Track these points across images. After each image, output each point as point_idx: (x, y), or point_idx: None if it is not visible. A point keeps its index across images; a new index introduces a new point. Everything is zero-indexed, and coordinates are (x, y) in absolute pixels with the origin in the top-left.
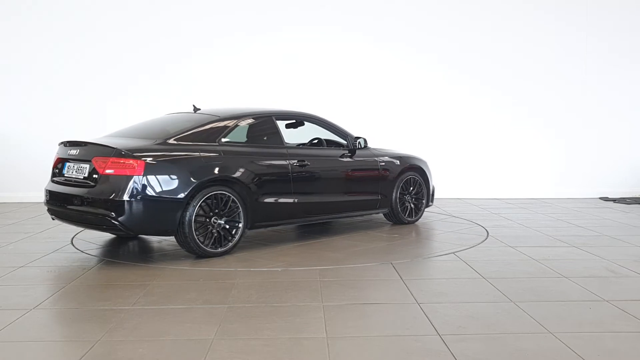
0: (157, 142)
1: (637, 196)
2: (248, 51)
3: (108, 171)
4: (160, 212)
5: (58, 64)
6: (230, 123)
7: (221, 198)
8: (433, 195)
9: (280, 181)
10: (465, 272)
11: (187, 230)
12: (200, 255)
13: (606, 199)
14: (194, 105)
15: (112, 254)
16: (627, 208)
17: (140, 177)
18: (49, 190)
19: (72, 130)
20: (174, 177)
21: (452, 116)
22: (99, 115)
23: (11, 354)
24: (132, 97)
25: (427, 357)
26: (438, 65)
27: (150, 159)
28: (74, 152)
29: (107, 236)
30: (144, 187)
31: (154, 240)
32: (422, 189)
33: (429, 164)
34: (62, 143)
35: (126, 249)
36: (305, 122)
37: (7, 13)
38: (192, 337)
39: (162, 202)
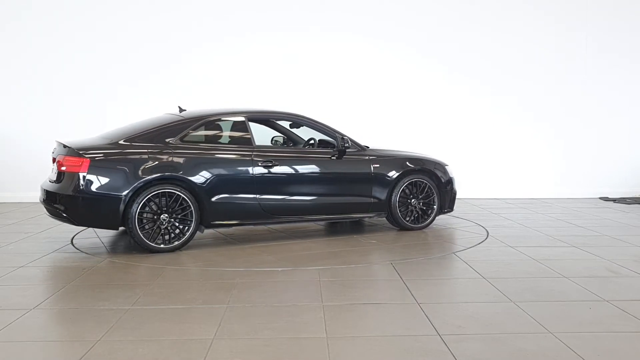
0: (110, 142)
1: (637, 196)
2: (248, 52)
3: (63, 169)
4: (102, 207)
5: (59, 65)
6: (190, 124)
7: (170, 196)
8: (452, 200)
9: (240, 181)
10: (465, 272)
11: (130, 225)
12: (150, 250)
13: (606, 199)
14: (179, 107)
15: (112, 254)
16: (627, 208)
17: (85, 174)
18: (41, 187)
19: (72, 130)
20: (116, 175)
21: (452, 117)
22: (99, 116)
23: (11, 354)
24: (132, 97)
25: (427, 357)
26: (438, 66)
27: (96, 157)
28: (53, 151)
29: (107, 236)
30: (88, 183)
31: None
32: (432, 194)
33: (449, 167)
34: None
35: (126, 248)
36: (290, 122)
37: (9, 15)
38: (192, 337)
39: (103, 198)
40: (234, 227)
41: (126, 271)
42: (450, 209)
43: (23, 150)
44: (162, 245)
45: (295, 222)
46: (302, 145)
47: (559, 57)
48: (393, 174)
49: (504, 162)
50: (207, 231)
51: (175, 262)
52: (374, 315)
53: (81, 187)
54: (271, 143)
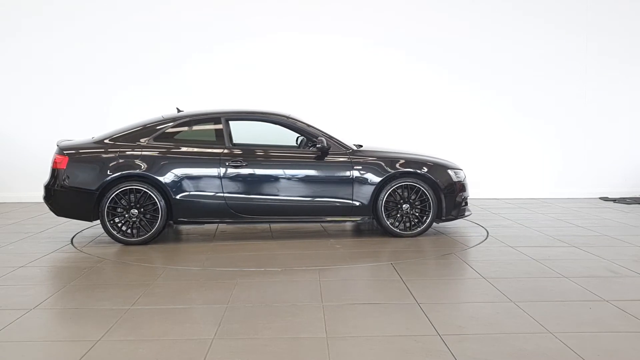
0: (96, 141)
1: (637, 196)
2: (254, 55)
3: (51, 165)
4: (76, 200)
5: (61, 67)
6: (165, 124)
7: (137, 193)
8: (457, 207)
9: (207, 181)
10: (465, 272)
11: (100, 218)
12: (118, 242)
13: (606, 199)
14: (177, 108)
15: (112, 254)
16: (627, 208)
17: (64, 170)
18: (43, 185)
19: (73, 132)
20: (89, 171)
21: (453, 118)
22: (99, 117)
23: (11, 354)
24: (133, 99)
25: (427, 357)
26: (439, 69)
27: (74, 155)
28: None
29: (107, 236)
30: (65, 178)
31: (154, 240)
32: (427, 199)
33: (454, 171)
34: None
35: (126, 248)
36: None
37: (14, 23)
38: (192, 337)
39: (76, 192)
40: (233, 225)
41: (126, 271)
42: (455, 216)
43: (24, 151)
44: (131, 239)
45: (266, 222)
46: (297, 146)
47: (559, 59)
48: (378, 176)
49: (504, 163)
50: (207, 228)
51: (175, 262)
52: (374, 315)
53: (61, 182)
54: (296, 143)
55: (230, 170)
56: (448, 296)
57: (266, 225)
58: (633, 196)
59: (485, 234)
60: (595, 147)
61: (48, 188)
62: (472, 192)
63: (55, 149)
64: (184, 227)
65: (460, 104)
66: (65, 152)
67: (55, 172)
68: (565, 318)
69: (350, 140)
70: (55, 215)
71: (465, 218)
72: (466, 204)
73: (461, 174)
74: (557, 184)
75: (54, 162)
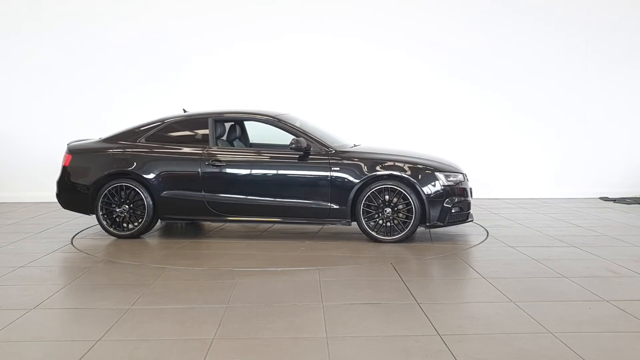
0: (100, 140)
1: (637, 196)
2: (252, 56)
3: (62, 162)
4: (75, 195)
5: (62, 67)
6: (157, 124)
7: (127, 190)
8: (445, 214)
9: (188, 180)
10: (465, 272)
11: (95, 212)
12: (111, 234)
13: (606, 199)
14: (183, 109)
15: (112, 254)
16: (627, 208)
17: (67, 167)
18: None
19: (74, 131)
20: (85, 168)
21: (453, 118)
22: (100, 117)
23: (11, 354)
24: (133, 99)
25: (427, 357)
26: (440, 70)
27: (75, 154)
28: None
29: (107, 236)
30: (67, 174)
31: (154, 240)
32: (410, 203)
33: (445, 175)
34: None
35: (126, 249)
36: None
37: (19, 24)
38: (192, 337)
39: (75, 187)
40: (238, 224)
41: (126, 271)
42: (443, 223)
43: (24, 151)
44: (121, 232)
45: (243, 222)
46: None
47: (559, 60)
48: (357, 178)
49: (504, 163)
50: (209, 226)
51: (175, 262)
52: (374, 315)
53: (64, 178)
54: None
55: (209, 170)
56: (448, 296)
57: (267, 225)
58: (633, 196)
59: (485, 234)
60: (595, 147)
61: (58, 184)
62: (473, 192)
63: (64, 148)
64: (193, 226)
65: (460, 105)
66: (70, 150)
67: (62, 169)
68: (565, 318)
69: (351, 141)
70: (63, 208)
71: (466, 223)
72: (462, 209)
73: (458, 177)
74: (557, 184)
75: (63, 160)
